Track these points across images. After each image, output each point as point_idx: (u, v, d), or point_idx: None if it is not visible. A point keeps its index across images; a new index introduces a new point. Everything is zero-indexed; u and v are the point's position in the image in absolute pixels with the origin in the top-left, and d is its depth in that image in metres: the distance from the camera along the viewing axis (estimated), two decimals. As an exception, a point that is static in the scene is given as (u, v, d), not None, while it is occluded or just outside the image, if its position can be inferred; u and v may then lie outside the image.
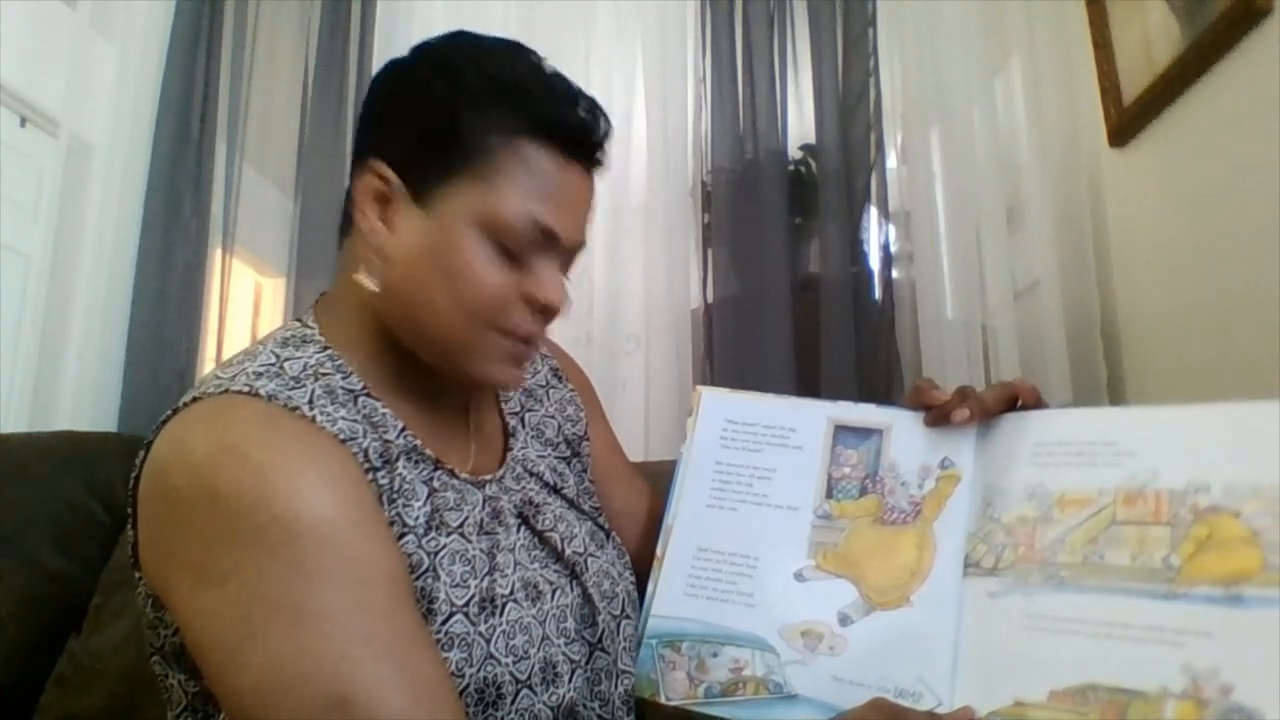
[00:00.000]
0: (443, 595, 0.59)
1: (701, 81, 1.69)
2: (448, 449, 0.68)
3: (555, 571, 0.68)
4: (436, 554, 0.61)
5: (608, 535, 0.77)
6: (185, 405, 0.59)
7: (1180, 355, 1.34)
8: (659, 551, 0.76)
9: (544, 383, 0.84)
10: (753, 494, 0.76)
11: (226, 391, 0.58)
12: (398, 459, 0.63)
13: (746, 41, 1.68)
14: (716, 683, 0.69)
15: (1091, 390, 1.49)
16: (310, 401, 0.59)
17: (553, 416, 0.82)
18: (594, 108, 0.66)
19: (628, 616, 0.71)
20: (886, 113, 1.67)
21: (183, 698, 0.61)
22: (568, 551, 0.69)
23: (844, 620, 0.69)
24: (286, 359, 0.63)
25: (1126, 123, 1.45)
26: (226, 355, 1.29)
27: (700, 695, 0.69)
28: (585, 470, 0.82)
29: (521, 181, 0.62)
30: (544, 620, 0.64)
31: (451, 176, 0.62)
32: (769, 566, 0.72)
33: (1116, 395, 1.48)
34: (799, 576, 0.71)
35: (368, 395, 0.64)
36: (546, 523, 0.70)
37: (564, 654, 0.64)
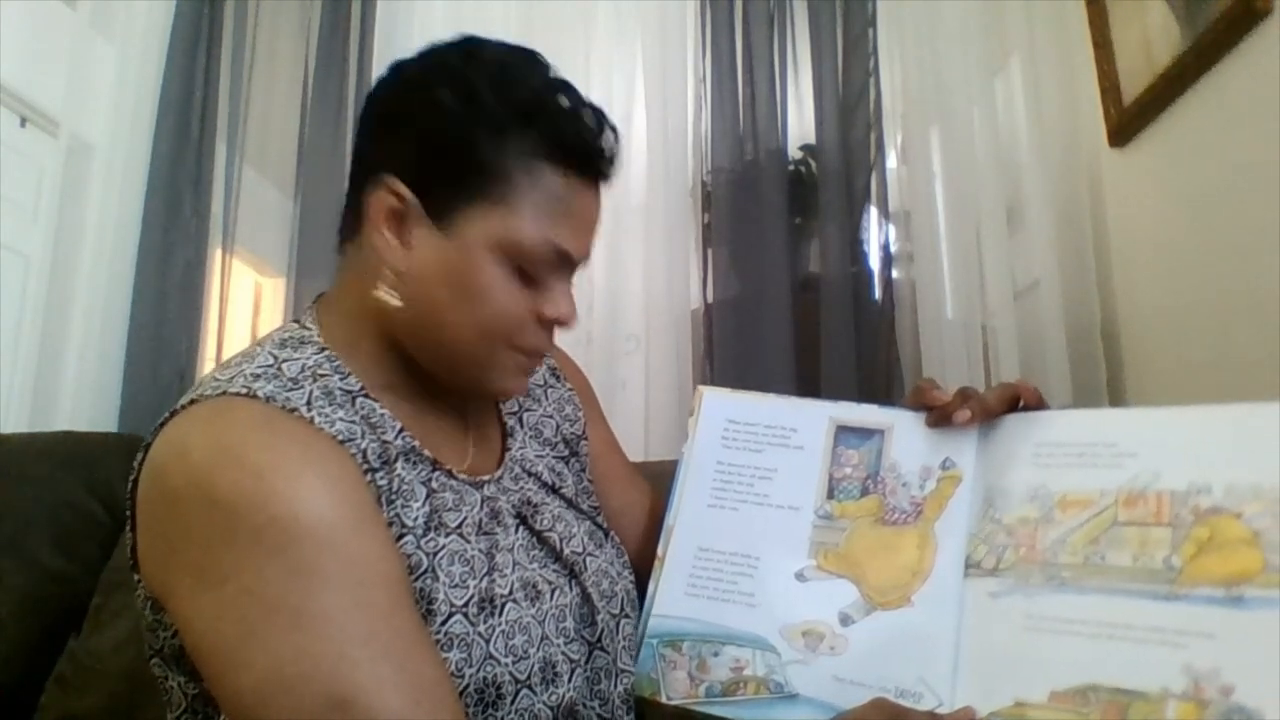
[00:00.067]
0: (442, 596, 0.59)
1: (701, 81, 1.69)
2: (446, 449, 0.68)
3: (554, 571, 0.68)
4: (435, 554, 0.61)
5: (606, 535, 0.77)
6: (183, 407, 0.59)
7: (1180, 355, 1.34)
8: (660, 551, 0.76)
9: (542, 382, 0.84)
10: (754, 494, 0.76)
11: (224, 393, 0.58)
12: (396, 460, 0.63)
13: (746, 41, 1.68)
14: (717, 682, 0.69)
15: (1091, 390, 1.49)
16: (308, 403, 0.59)
17: (551, 416, 0.82)
18: (605, 122, 0.67)
19: (627, 616, 0.71)
20: (886, 113, 1.67)
21: (183, 700, 0.61)
22: (566, 551, 0.69)
23: (845, 620, 0.68)
24: (284, 360, 0.63)
25: (1126, 123, 1.45)
26: (226, 355, 1.29)
27: (701, 695, 0.69)
28: (584, 470, 0.82)
29: (540, 207, 0.63)
30: (543, 620, 0.64)
31: (470, 199, 0.62)
32: (770, 566, 0.72)
33: (1116, 395, 1.48)
34: (800, 576, 0.71)
35: (366, 396, 0.64)
36: (545, 522, 0.70)
37: (563, 653, 0.64)
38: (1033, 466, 0.68)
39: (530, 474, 0.74)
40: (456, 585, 0.60)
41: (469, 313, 0.63)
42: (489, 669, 0.59)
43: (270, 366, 0.61)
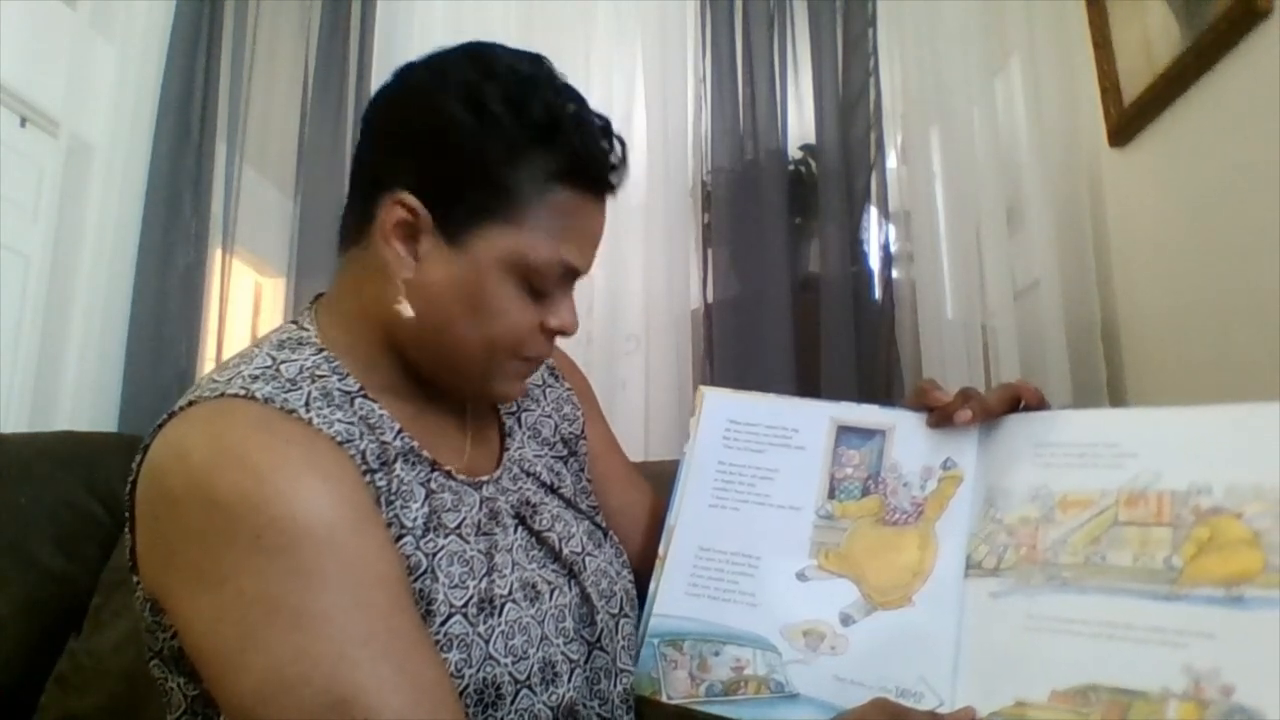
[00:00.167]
0: (441, 596, 0.59)
1: (701, 81, 1.69)
2: (445, 450, 0.68)
3: (553, 571, 0.68)
4: (434, 555, 0.61)
5: (605, 534, 0.77)
6: (181, 409, 0.59)
7: (1180, 355, 1.34)
8: (661, 551, 0.76)
9: (540, 382, 0.84)
10: (755, 494, 0.76)
11: (223, 395, 0.58)
12: (395, 460, 0.63)
13: (746, 41, 1.68)
14: (718, 682, 0.69)
15: (1091, 390, 1.49)
16: (307, 404, 0.59)
17: (549, 416, 0.81)
18: (613, 135, 0.67)
19: (626, 615, 0.71)
20: (886, 113, 1.67)
21: (182, 701, 0.61)
22: (565, 551, 0.69)
23: (846, 620, 0.68)
24: (283, 361, 0.63)
25: (1126, 123, 1.45)
26: (226, 355, 1.29)
27: (702, 694, 0.69)
28: (582, 469, 0.82)
29: (552, 225, 0.64)
30: (542, 620, 0.64)
31: (482, 218, 0.63)
32: (771, 566, 0.72)
33: (1116, 395, 1.48)
34: (801, 576, 0.71)
35: (364, 397, 0.64)
36: (544, 522, 0.70)
37: (563, 653, 0.64)
38: (1034, 466, 0.68)
39: (529, 474, 0.74)
40: (456, 586, 0.60)
41: (478, 327, 0.64)
42: (488, 669, 0.59)
43: (268, 368, 0.61)
